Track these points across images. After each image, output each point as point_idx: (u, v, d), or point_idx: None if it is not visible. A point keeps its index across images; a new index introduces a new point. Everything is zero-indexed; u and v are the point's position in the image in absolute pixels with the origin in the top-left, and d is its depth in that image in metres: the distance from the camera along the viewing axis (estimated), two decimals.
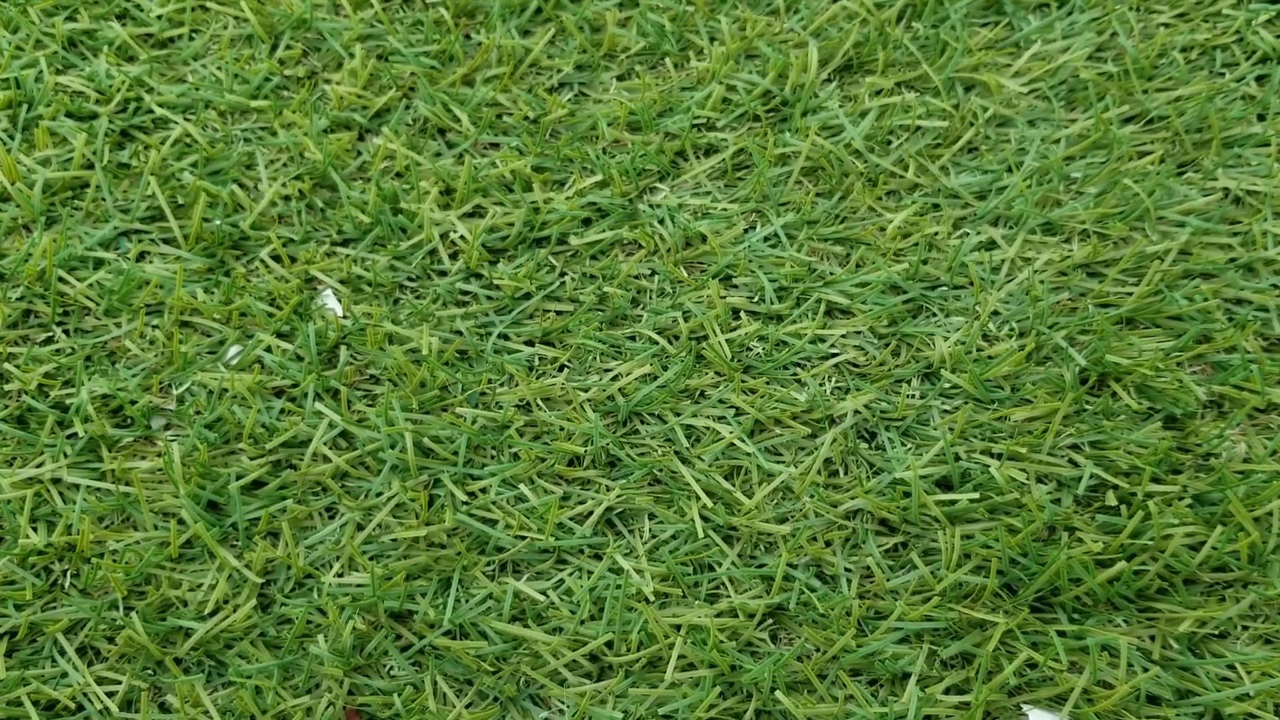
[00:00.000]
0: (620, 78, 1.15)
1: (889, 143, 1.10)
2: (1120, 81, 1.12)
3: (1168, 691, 0.85)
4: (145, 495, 0.94)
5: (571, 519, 0.93)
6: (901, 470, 0.93)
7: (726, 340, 0.99)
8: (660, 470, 0.94)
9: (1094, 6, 1.17)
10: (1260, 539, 0.89)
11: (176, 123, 1.11)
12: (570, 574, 0.91)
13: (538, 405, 0.98)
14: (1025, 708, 0.86)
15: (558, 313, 1.02)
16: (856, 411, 0.97)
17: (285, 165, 1.10)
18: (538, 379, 0.99)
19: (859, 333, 1.01)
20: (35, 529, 0.93)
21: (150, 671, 0.89)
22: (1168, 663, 0.87)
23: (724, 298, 1.02)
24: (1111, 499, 0.91)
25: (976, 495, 0.91)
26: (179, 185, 1.07)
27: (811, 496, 0.93)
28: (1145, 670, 0.86)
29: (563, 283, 1.04)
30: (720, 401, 0.97)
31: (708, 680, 0.86)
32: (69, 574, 0.92)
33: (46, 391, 0.99)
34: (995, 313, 1.01)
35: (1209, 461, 0.94)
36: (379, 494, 0.94)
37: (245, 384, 0.97)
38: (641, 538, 0.93)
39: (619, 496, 0.93)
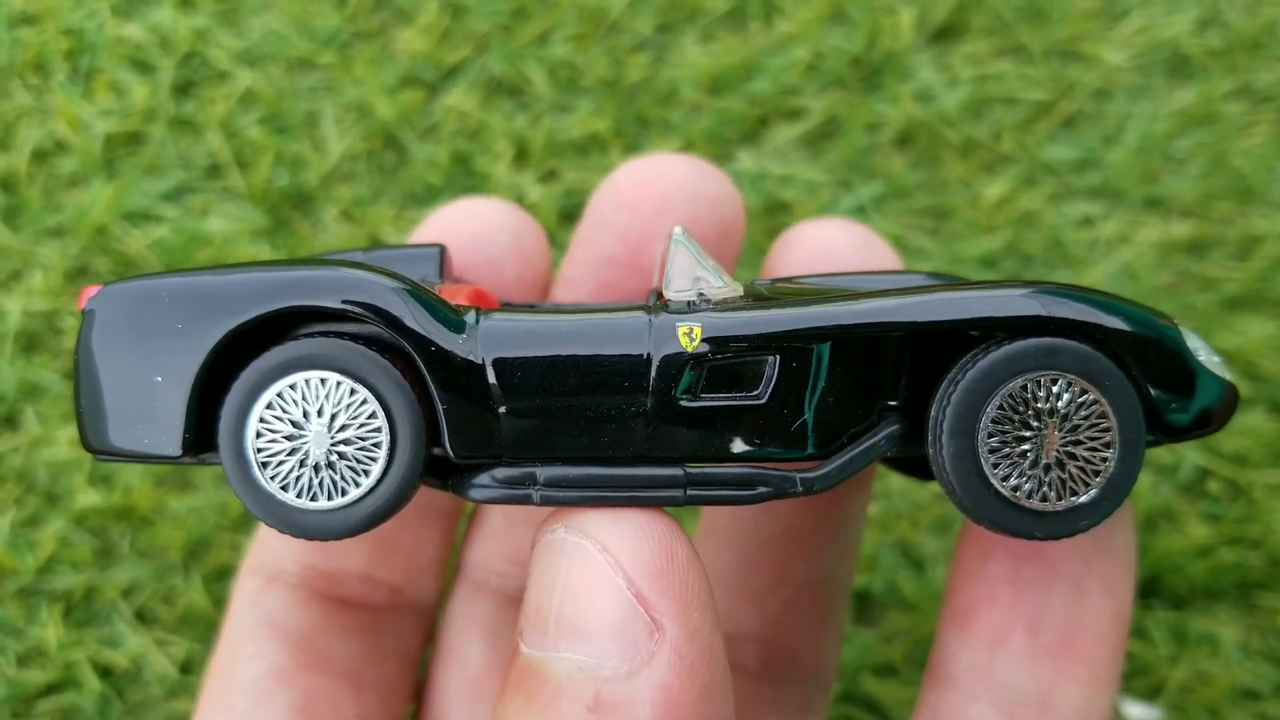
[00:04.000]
0: (701, 40, 1.19)
1: (980, 113, 1.14)
2: (1225, 56, 1.15)
3: (1266, 685, 0.89)
4: None
5: None
6: None
7: None
8: None
9: None
10: None
11: (241, 76, 1.16)
12: None
13: None
14: (1120, 697, 0.89)
15: None
16: None
17: (353, 122, 1.14)
18: None
19: None
20: (92, 489, 0.98)
21: (209, 635, 0.94)
22: (1268, 655, 0.90)
23: None
24: (1215, 486, 0.95)
25: None
26: (244, 140, 1.13)
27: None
28: (1244, 663, 0.90)
29: None
30: None
31: None
32: (127, 536, 0.97)
33: None
34: None
35: None
36: None
37: None
38: None
39: None
